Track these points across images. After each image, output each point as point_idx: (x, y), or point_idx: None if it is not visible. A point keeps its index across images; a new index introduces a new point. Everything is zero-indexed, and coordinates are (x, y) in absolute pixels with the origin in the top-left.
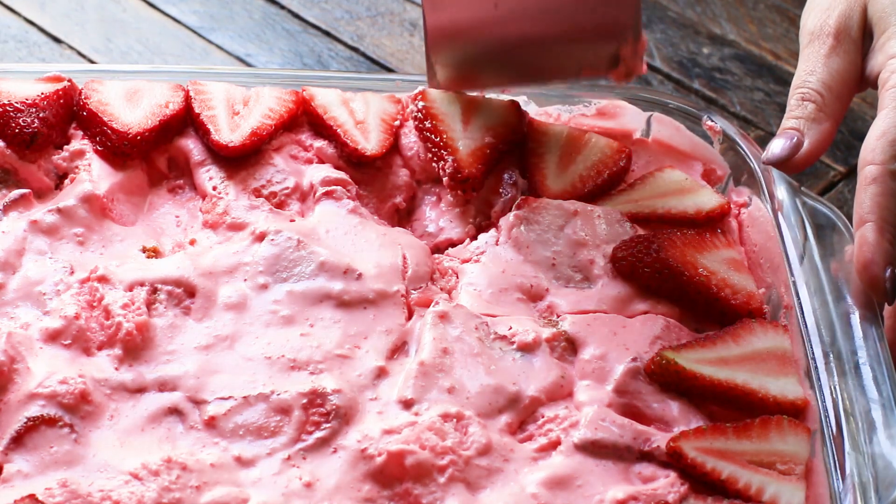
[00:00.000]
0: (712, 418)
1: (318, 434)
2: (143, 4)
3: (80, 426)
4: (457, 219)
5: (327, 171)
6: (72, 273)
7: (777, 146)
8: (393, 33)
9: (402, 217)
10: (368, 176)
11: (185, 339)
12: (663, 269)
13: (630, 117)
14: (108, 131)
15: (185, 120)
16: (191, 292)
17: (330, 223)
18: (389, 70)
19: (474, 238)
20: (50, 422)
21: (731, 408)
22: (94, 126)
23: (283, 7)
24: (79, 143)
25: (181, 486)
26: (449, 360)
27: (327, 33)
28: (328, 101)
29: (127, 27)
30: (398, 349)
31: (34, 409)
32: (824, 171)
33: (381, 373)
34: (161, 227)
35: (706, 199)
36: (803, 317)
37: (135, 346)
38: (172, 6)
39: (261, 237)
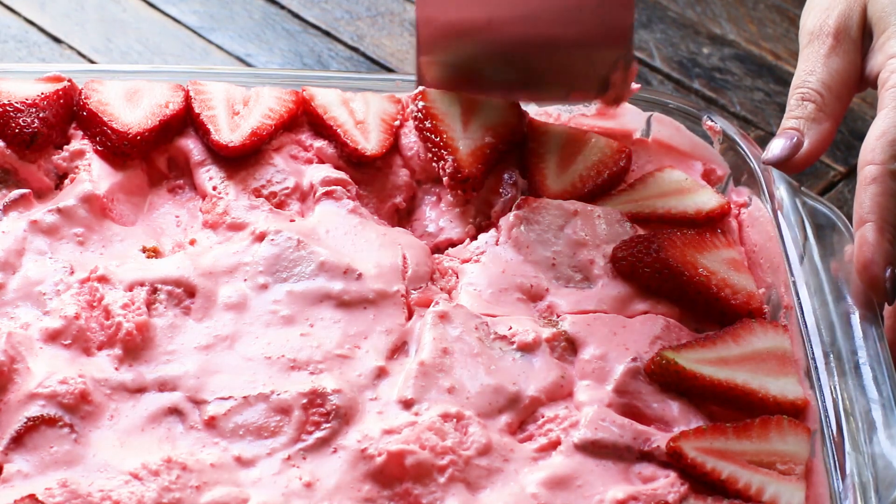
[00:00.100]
0: (712, 418)
1: (318, 434)
2: (143, 4)
3: (80, 426)
4: (457, 219)
5: (327, 171)
6: (72, 273)
7: (777, 146)
8: (393, 33)
9: (402, 217)
10: (368, 176)
11: (185, 339)
12: (663, 269)
13: (630, 117)
14: (108, 131)
15: (185, 120)
16: (191, 292)
17: (330, 223)
18: (389, 70)
19: (474, 238)
20: (50, 422)
21: (731, 408)
22: (94, 126)
23: (283, 7)
24: (79, 143)
25: (181, 486)
26: (449, 360)
27: (327, 33)
28: (328, 101)
29: (127, 27)
30: (398, 349)
31: (34, 409)
32: (824, 171)
33: (381, 373)
34: (161, 227)
35: (706, 199)
36: (803, 317)
37: (135, 346)
38: (172, 6)
39: (261, 237)
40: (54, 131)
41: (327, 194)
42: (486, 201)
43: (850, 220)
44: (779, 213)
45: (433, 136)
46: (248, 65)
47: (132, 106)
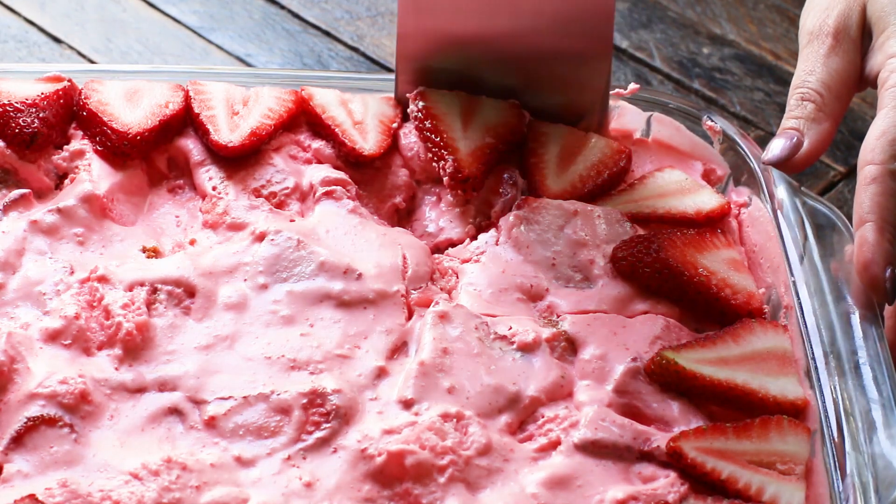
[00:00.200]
0: (712, 418)
1: (318, 434)
2: (143, 4)
3: (80, 426)
4: (457, 219)
5: (327, 171)
6: (72, 273)
7: (777, 146)
8: (393, 33)
9: (402, 217)
10: (368, 176)
11: (185, 339)
12: (663, 269)
13: (630, 117)
14: (108, 131)
15: (185, 120)
16: (191, 292)
17: (330, 223)
18: (389, 70)
19: (474, 238)
20: (50, 422)
21: (731, 408)
22: (94, 126)
23: (283, 7)
24: (79, 143)
25: (181, 486)
26: (449, 360)
27: (327, 33)
28: (327, 100)
29: (127, 27)
30: (398, 349)
31: (34, 409)
32: (824, 171)
33: (381, 373)
34: (161, 227)
35: (706, 199)
36: (803, 317)
37: (135, 346)
38: (172, 6)
39: (261, 237)
40: (54, 131)
41: (327, 194)
42: (485, 201)
43: (851, 220)
44: (779, 212)
45: (433, 136)
46: (248, 65)
47: (132, 106)
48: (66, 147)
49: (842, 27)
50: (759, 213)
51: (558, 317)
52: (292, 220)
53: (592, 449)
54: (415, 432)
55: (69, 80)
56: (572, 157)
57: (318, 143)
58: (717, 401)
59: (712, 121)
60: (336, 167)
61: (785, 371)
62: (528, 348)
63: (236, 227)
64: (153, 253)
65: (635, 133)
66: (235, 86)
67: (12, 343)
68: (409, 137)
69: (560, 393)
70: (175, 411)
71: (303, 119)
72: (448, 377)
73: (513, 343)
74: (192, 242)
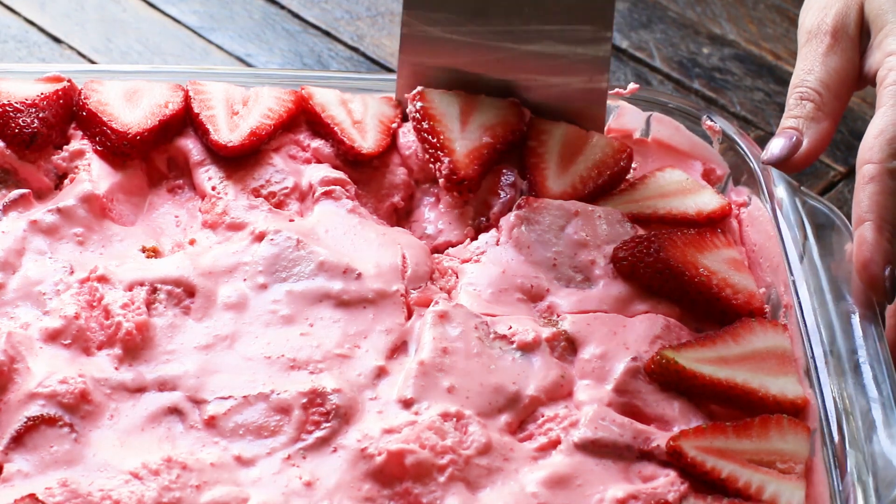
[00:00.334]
0: (712, 417)
1: (318, 433)
2: (143, 4)
3: (80, 426)
4: (455, 221)
5: (326, 170)
6: (71, 273)
7: (776, 146)
8: (393, 33)
9: (401, 217)
10: (366, 176)
11: (184, 339)
12: (664, 270)
13: (629, 117)
14: (108, 131)
15: (185, 120)
16: (190, 292)
17: (329, 223)
18: (389, 70)
19: (474, 239)
20: (50, 421)
21: (730, 407)
22: (93, 126)
23: (283, 7)
24: (78, 143)
25: (181, 486)
26: (449, 359)
27: (327, 33)
28: (326, 99)
29: (127, 27)
30: (398, 349)
31: (34, 409)
32: (824, 171)
33: (380, 372)
34: (160, 227)
35: (707, 199)
36: (803, 316)
37: (134, 346)
38: (172, 6)
39: (260, 237)
40: (54, 131)
41: (326, 194)
42: (484, 203)
43: (850, 219)
44: (778, 212)
45: (430, 137)
46: (248, 65)
47: (132, 106)
48: (65, 147)
49: (840, 25)
50: (759, 212)
51: (558, 316)
52: (291, 220)
53: (592, 448)
54: (415, 432)
55: (69, 81)
56: (573, 156)
57: (317, 143)
58: (716, 400)
59: (712, 120)
60: (335, 166)
61: (785, 370)
62: (527, 348)
63: (236, 226)
64: (153, 253)
65: (635, 133)
66: (235, 86)
67: (12, 343)
68: (408, 136)
69: (560, 392)
70: (175, 411)
71: (302, 119)
72: (448, 377)
73: (512, 342)
74: (192, 242)
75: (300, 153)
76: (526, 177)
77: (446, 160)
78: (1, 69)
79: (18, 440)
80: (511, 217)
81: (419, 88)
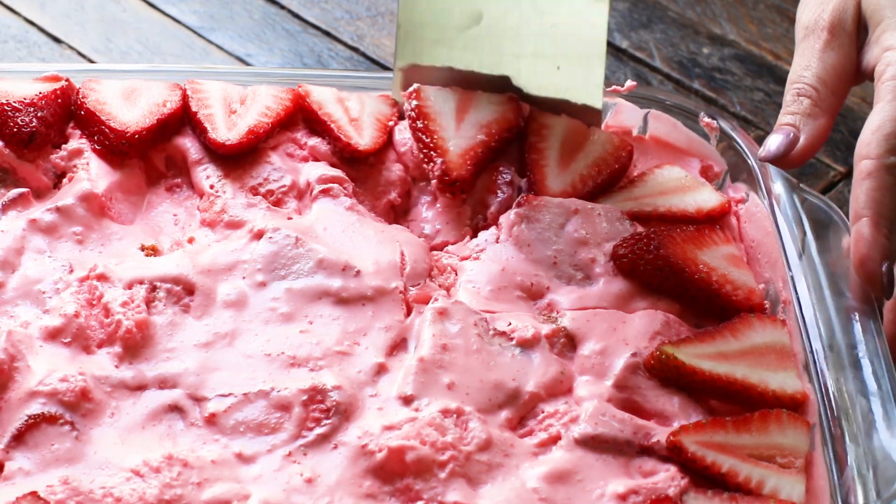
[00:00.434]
0: (712, 412)
1: (319, 430)
2: (143, 4)
3: (80, 424)
4: (453, 221)
5: (324, 168)
6: (71, 271)
7: (773, 142)
8: (393, 33)
9: (399, 215)
10: (362, 173)
11: (184, 337)
12: (664, 266)
13: (627, 114)
14: (106, 130)
15: (183, 119)
16: (190, 290)
17: (327, 220)
18: (388, 69)
19: (473, 237)
20: (51, 419)
21: (730, 402)
22: (91, 125)
23: (283, 7)
24: (77, 142)
25: (182, 483)
26: (448, 356)
27: (327, 33)
28: (323, 97)
29: (127, 27)
30: (397, 346)
31: (35, 407)
32: (824, 170)
33: (380, 369)
34: (159, 225)
35: (707, 197)
36: (801, 312)
37: (135, 344)
38: (172, 6)
39: (259, 235)
40: (52, 130)
41: (324, 192)
42: (481, 202)
43: (849, 216)
44: (776, 208)
45: (424, 136)
46: (248, 65)
47: (130, 105)
48: (64, 146)
49: (837, 21)
50: (757, 208)
51: (558, 313)
52: (290, 218)
53: (593, 444)
54: (415, 428)
55: (67, 80)
56: (574, 153)
57: (314, 141)
58: (716, 395)
59: (709, 117)
60: (332, 164)
61: (784, 365)
62: (527, 344)
63: (234, 225)
64: (152, 251)
65: (633, 130)
66: (233, 85)
67: (12, 341)
68: (404, 133)
69: (560, 388)
70: (175, 408)
71: (300, 117)
72: (448, 373)
73: (512, 339)
74: (191, 241)
75: (297, 151)
76: (525, 174)
77: (439, 161)
78: (1, 69)
79: (19, 438)
80: (511, 215)
81: (415, 86)
